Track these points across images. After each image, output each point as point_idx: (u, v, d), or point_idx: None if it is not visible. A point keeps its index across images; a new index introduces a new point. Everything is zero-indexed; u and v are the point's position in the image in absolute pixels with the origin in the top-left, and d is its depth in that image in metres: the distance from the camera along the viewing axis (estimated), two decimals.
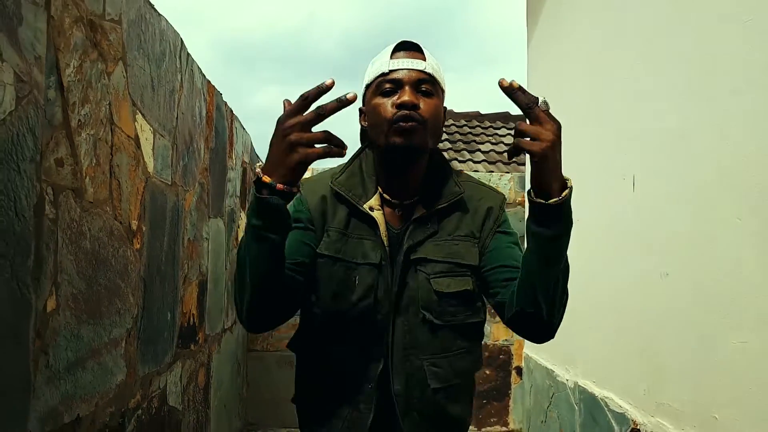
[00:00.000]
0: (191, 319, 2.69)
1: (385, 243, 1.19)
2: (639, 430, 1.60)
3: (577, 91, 2.19)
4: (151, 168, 2.07)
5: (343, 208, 1.23)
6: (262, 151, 4.50)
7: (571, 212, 1.00)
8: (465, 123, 7.68)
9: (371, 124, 1.20)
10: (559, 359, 2.28)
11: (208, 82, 2.84)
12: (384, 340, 1.17)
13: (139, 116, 1.94)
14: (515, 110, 7.20)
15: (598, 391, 1.89)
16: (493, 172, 6.12)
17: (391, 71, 1.16)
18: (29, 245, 1.27)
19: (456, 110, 8.05)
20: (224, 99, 3.19)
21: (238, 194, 3.68)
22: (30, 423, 1.30)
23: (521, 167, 6.43)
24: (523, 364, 2.75)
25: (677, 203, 1.52)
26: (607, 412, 1.81)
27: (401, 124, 1.12)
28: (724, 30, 1.30)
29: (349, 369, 1.19)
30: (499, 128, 7.49)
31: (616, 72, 1.86)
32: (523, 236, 1.13)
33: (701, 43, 1.40)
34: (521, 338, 4.36)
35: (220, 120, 3.12)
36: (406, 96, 1.13)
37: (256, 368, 4.27)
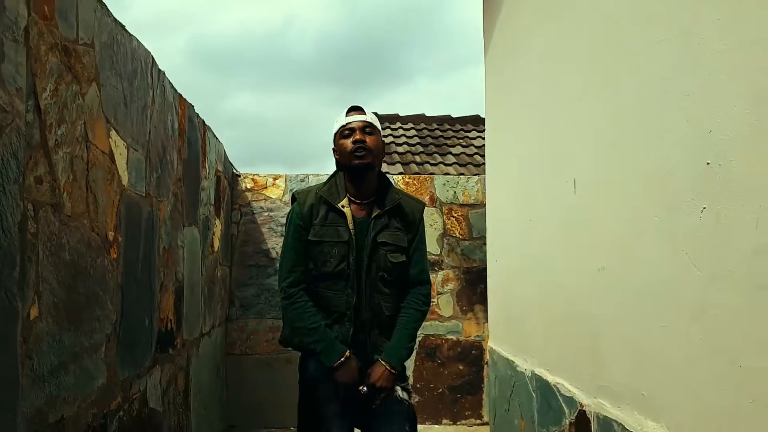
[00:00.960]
0: (169, 324, 2.79)
1: (351, 227, 2.03)
2: (585, 410, 1.75)
3: (530, 101, 2.35)
4: (125, 181, 2.18)
5: (324, 207, 2.06)
6: (238, 157, 4.60)
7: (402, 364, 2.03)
8: (437, 126, 7.86)
9: (340, 155, 2.08)
10: (519, 350, 2.43)
11: (180, 95, 2.95)
12: (355, 288, 2.02)
13: (113, 132, 2.05)
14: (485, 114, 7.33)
15: (551, 378, 2.04)
16: (463, 174, 6.30)
17: (347, 123, 2.06)
18: (14, 258, 1.38)
19: (428, 114, 8.22)
20: (196, 111, 3.30)
21: (212, 202, 3.78)
22: (18, 422, 1.41)
23: None
24: (488, 357, 2.90)
25: (609, 204, 1.67)
26: (559, 397, 1.96)
27: (357, 153, 2.01)
28: (657, 49, 1.46)
29: (336, 304, 2.03)
30: (469, 131, 7.68)
31: (563, 85, 2.02)
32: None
33: (636, 60, 1.56)
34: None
35: (193, 131, 3.22)
36: (358, 135, 2.02)
37: (236, 371, 4.37)
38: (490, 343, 2.87)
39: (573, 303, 1.86)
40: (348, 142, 2.03)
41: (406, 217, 2.09)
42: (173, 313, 2.86)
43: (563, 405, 1.92)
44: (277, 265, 4.42)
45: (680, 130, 1.33)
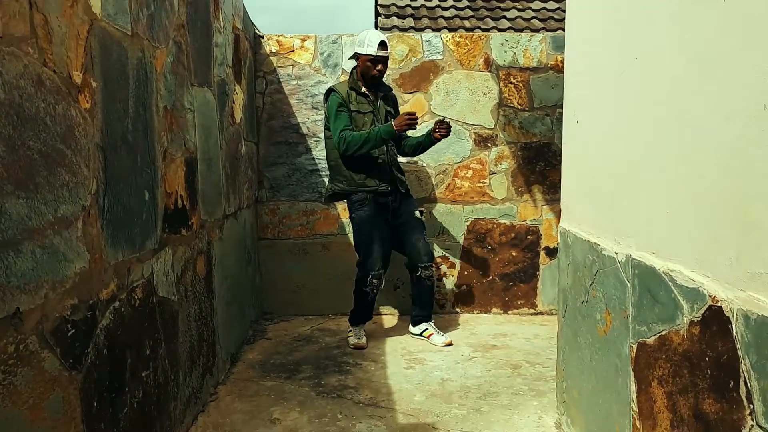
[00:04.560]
0: (179, 201, 2.36)
1: (372, 103, 3.48)
2: (720, 306, 1.26)
3: None
4: (97, 8, 1.64)
5: (353, 92, 3.45)
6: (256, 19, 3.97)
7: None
8: None
9: (362, 69, 3.45)
10: (606, 230, 1.92)
11: None
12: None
13: None
14: None
15: (659, 264, 1.55)
16: (530, 29, 5.47)
17: (376, 56, 3.39)
18: None
19: None
20: None
21: (230, 64, 3.24)
22: None
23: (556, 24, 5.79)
24: (558, 240, 2.40)
25: None
26: (673, 288, 1.48)
27: (375, 77, 3.45)
28: None
29: (376, 151, 3.44)
30: None
31: None
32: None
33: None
34: (551, 217, 4.01)
35: None
36: (380, 67, 3.44)
37: (269, 257, 4.04)
38: (563, 224, 2.36)
39: (709, 160, 1.32)
40: (372, 69, 3.42)
41: (390, 97, 3.67)
42: (185, 189, 2.42)
43: (679, 298, 1.44)
44: (309, 142, 3.94)
45: None
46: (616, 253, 1.84)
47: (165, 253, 2.20)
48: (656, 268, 1.58)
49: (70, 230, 1.49)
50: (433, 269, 3.49)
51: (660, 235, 1.58)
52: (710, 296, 1.32)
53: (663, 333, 1.53)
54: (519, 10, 6.14)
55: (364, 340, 3.42)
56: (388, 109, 3.55)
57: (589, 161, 2.11)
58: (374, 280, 3.38)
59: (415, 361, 3.16)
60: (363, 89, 3.46)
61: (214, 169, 2.89)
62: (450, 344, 3.39)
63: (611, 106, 1.88)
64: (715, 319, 1.30)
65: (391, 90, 3.72)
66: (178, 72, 2.35)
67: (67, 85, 1.48)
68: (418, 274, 3.44)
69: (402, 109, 3.74)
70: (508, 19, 5.95)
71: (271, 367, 3.09)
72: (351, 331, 3.49)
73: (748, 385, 1.16)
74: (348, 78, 3.53)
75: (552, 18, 6.54)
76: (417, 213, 3.55)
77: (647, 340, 1.62)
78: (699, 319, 1.36)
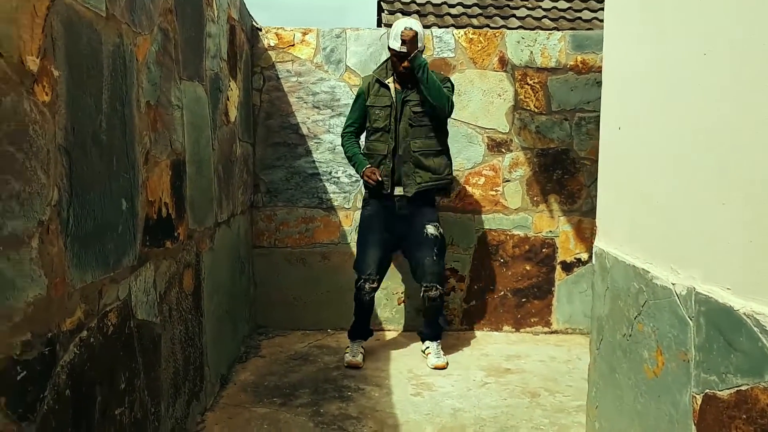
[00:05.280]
0: (164, 209, 2.08)
1: (393, 96, 3.21)
2: None
3: None
4: None
5: (377, 84, 3.24)
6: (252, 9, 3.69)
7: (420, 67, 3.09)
8: None
9: (392, 62, 3.20)
10: (660, 255, 1.65)
11: None
12: (394, 136, 3.18)
13: None
14: None
15: (738, 303, 1.28)
16: (541, 29, 5.19)
17: (398, 52, 3.11)
18: None
19: None
20: None
21: (224, 57, 2.95)
22: None
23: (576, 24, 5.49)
24: (594, 262, 2.13)
25: None
26: (760, 335, 1.21)
27: (402, 73, 3.17)
28: None
29: (381, 149, 3.20)
30: None
31: None
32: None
33: None
34: (568, 229, 3.74)
35: None
36: (406, 63, 3.11)
37: (264, 266, 3.75)
38: (599, 243, 2.08)
39: None
40: (398, 65, 3.15)
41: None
42: (170, 196, 2.14)
43: None
44: (309, 143, 3.68)
45: None
46: (674, 284, 1.57)
47: (146, 269, 1.91)
48: (733, 308, 1.31)
49: (21, 251, 1.21)
50: (439, 291, 3.14)
51: (739, 268, 1.30)
52: None
53: (744, 389, 1.26)
54: (529, 8, 5.88)
55: (359, 357, 3.15)
56: (416, 104, 3.19)
57: (635, 173, 1.84)
58: (365, 285, 3.14)
59: (423, 387, 2.88)
60: (389, 81, 3.21)
61: (204, 172, 2.61)
62: (443, 368, 3.12)
63: (670, 109, 1.60)
64: None
65: (440, 76, 3.24)
66: (164, 63, 2.07)
67: (18, 72, 1.19)
68: (421, 295, 3.18)
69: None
70: (518, 18, 5.69)
71: (265, 391, 2.81)
72: (348, 347, 3.22)
73: None
74: (380, 65, 3.33)
75: (563, 18, 6.27)
76: (431, 227, 3.17)
77: (719, 392, 1.35)
78: None
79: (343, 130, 3.32)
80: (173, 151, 2.17)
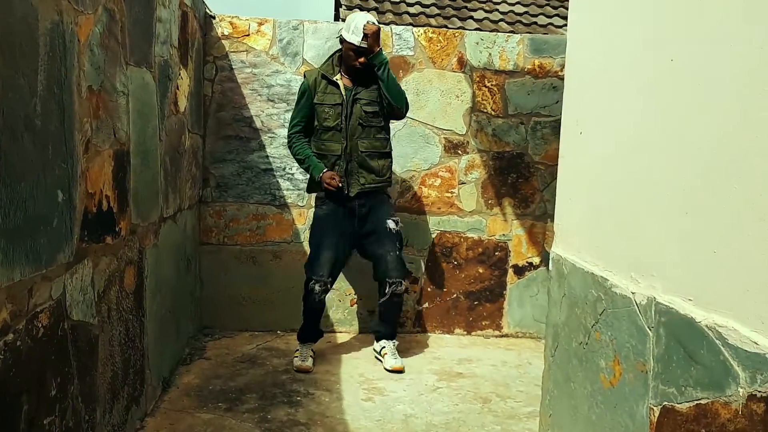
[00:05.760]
0: (104, 202, 1.94)
1: (343, 93, 3.09)
2: None
3: None
4: None
5: (324, 80, 3.10)
6: None
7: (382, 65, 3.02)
8: None
9: (345, 56, 3.08)
10: (619, 263, 1.64)
11: None
12: (345, 136, 3.08)
13: None
14: None
15: (700, 315, 1.27)
16: (498, 32, 5.19)
17: (359, 47, 2.98)
18: None
19: None
20: None
21: (175, 44, 2.81)
22: None
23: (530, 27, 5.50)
24: (550, 268, 2.11)
25: None
26: (722, 348, 1.20)
27: (357, 68, 3.05)
28: None
29: (333, 149, 3.09)
30: None
31: None
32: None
33: None
34: (521, 233, 3.75)
35: None
36: (362, 59, 3.01)
37: (212, 264, 3.61)
38: (557, 249, 2.07)
39: None
40: (354, 60, 3.03)
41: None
42: (112, 188, 2.00)
43: (732, 363, 1.16)
44: (263, 137, 3.56)
45: None
46: (633, 293, 1.56)
47: (83, 266, 1.78)
48: (695, 320, 1.30)
49: None
50: (404, 285, 3.13)
51: (702, 278, 1.29)
52: None
53: (704, 402, 1.25)
54: (486, 11, 5.91)
55: (309, 362, 3.05)
56: (372, 90, 3.09)
57: (597, 178, 1.82)
58: (316, 286, 3.03)
59: (375, 391, 2.82)
60: (336, 77, 3.08)
61: (150, 164, 2.47)
62: (400, 371, 3.06)
63: (636, 114, 1.59)
64: None
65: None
66: (109, 46, 1.93)
67: None
68: (386, 290, 3.08)
69: None
70: (475, 20, 5.71)
71: (210, 395, 2.68)
72: (298, 350, 3.12)
73: None
74: (326, 60, 3.19)
75: (520, 21, 6.32)
76: (391, 222, 3.13)
77: (677, 405, 1.34)
78: (766, 394, 1.08)
79: (290, 129, 3.17)
80: (117, 140, 2.04)
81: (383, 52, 3.05)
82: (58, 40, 1.56)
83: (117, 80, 2.02)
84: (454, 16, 5.74)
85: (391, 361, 3.09)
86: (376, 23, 3.01)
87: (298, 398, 2.69)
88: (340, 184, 3.03)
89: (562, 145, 2.06)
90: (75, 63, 1.67)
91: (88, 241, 1.80)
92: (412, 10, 5.77)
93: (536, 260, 3.79)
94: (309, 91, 3.10)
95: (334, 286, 3.23)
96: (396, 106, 3.06)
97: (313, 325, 3.16)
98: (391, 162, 3.22)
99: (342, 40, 3.05)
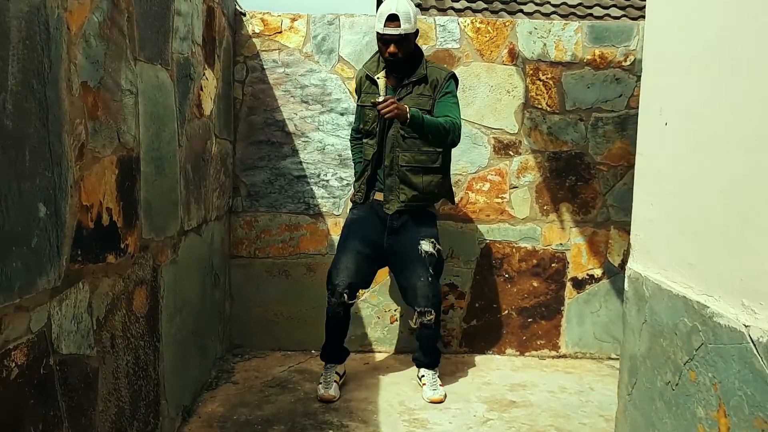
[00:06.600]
0: (105, 215, 1.70)
1: (382, 94, 2.68)
2: None
3: None
4: None
5: (367, 80, 2.82)
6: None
7: (418, 125, 2.56)
8: None
9: (379, 49, 2.75)
10: (724, 285, 1.29)
11: None
12: (380, 142, 2.76)
13: None
14: None
15: None
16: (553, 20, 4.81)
17: (383, 35, 2.64)
18: None
19: None
20: None
21: (198, 41, 2.58)
22: None
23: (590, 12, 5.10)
24: (626, 287, 1.76)
25: None
26: None
27: (389, 60, 2.69)
28: None
29: (367, 153, 2.82)
30: None
31: None
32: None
33: None
34: (581, 242, 3.38)
35: None
36: (391, 48, 2.64)
37: (243, 279, 3.38)
38: (634, 265, 1.72)
39: None
40: (384, 51, 2.70)
41: (433, 83, 2.73)
42: (116, 199, 1.77)
43: None
44: (296, 142, 3.32)
45: None
46: (747, 326, 1.20)
47: (76, 291, 1.54)
48: None
49: None
50: (434, 316, 2.74)
51: None
52: None
53: None
54: (537, 4, 5.56)
55: (333, 389, 2.71)
56: (419, 96, 2.71)
57: (688, 178, 1.47)
58: (332, 299, 2.74)
59: (416, 424, 2.51)
60: (378, 75, 2.75)
61: (167, 172, 2.23)
62: (440, 401, 2.72)
63: (736, 93, 1.24)
64: None
65: (440, 69, 2.80)
66: (111, 38, 1.70)
67: None
68: (414, 320, 2.77)
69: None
70: (526, 14, 5.36)
71: (234, 426, 2.43)
72: (322, 375, 2.82)
73: None
74: (371, 56, 2.90)
75: (574, 14, 5.90)
76: (426, 244, 2.72)
77: None
78: None
79: (352, 130, 3.09)
80: (122, 145, 1.80)
81: (415, 113, 2.54)
82: (37, 27, 1.32)
83: (122, 77, 1.79)
84: (502, 10, 5.41)
85: (430, 392, 2.76)
86: (401, 8, 2.60)
87: (330, 431, 2.40)
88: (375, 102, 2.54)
89: (640, 140, 1.71)
90: (64, 55, 1.44)
91: (82, 261, 1.56)
92: (457, 5, 5.47)
93: (598, 272, 3.41)
94: (358, 90, 2.91)
95: (372, 302, 2.93)
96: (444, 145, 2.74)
97: (333, 342, 2.84)
98: (443, 179, 2.81)
99: (377, 33, 2.69)
